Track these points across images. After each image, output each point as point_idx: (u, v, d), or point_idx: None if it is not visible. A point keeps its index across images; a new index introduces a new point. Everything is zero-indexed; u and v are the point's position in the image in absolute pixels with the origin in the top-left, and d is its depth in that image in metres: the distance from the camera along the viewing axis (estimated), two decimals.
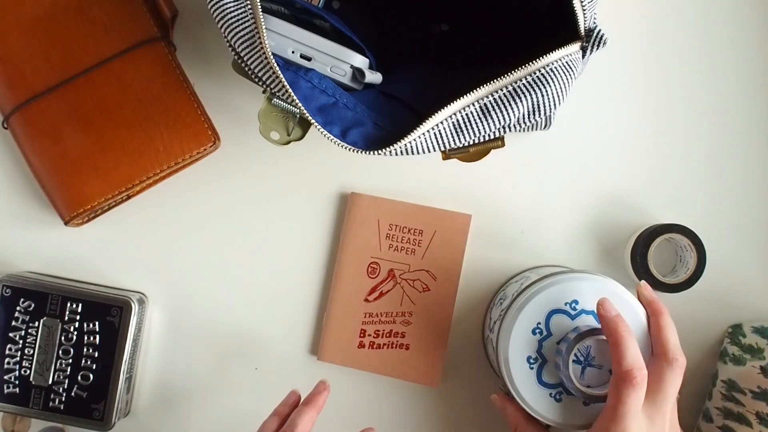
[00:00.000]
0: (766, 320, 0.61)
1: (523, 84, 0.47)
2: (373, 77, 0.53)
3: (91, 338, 0.62)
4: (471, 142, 0.49)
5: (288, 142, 0.53)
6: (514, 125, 0.49)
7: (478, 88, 0.48)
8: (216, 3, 0.48)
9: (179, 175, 0.64)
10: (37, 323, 0.62)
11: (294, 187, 0.65)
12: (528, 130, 0.58)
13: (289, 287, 0.65)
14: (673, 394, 0.50)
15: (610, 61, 0.64)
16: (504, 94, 0.48)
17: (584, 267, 0.64)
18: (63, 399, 0.62)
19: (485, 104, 0.48)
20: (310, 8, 0.53)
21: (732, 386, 0.59)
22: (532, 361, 0.54)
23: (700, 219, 0.63)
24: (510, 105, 0.48)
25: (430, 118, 0.48)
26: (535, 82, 0.47)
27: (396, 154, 0.48)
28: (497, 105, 0.48)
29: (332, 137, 0.48)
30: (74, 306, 0.62)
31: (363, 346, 0.63)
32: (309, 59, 0.51)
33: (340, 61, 0.51)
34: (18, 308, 0.62)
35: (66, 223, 0.62)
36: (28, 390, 0.62)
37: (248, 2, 0.48)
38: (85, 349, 0.62)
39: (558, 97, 0.48)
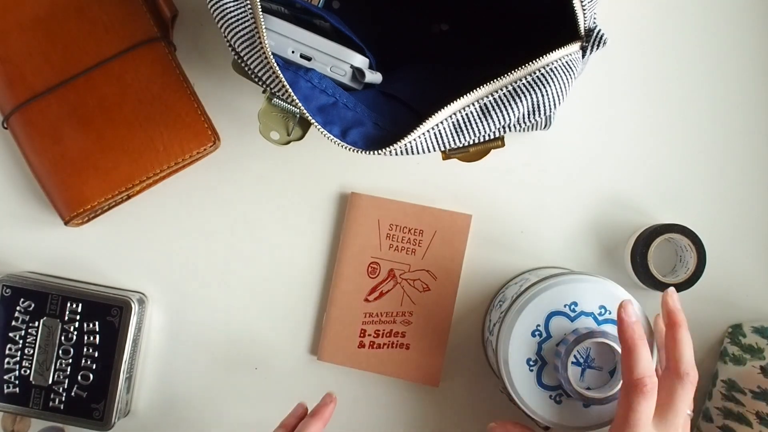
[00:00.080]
0: (766, 320, 0.60)
1: (523, 84, 0.47)
2: (373, 77, 0.53)
3: (91, 338, 0.62)
4: (471, 142, 0.49)
5: (288, 142, 0.53)
6: (514, 125, 0.49)
7: (478, 88, 0.48)
8: (216, 3, 0.48)
9: (179, 175, 0.64)
10: (37, 323, 0.62)
11: (294, 187, 0.65)
12: (528, 130, 0.58)
13: (289, 287, 0.65)
14: (683, 409, 0.49)
15: (610, 61, 0.63)
16: (504, 94, 0.48)
17: (584, 266, 0.64)
18: (63, 399, 0.62)
19: (485, 104, 0.48)
20: (310, 8, 0.53)
21: (732, 386, 0.59)
22: (531, 363, 0.53)
23: (700, 219, 0.63)
24: (510, 105, 0.48)
25: (430, 118, 0.47)
26: (535, 82, 0.47)
27: (396, 154, 0.48)
28: (497, 105, 0.48)
29: (332, 137, 0.48)
30: (74, 306, 0.62)
31: (363, 346, 0.63)
32: (309, 59, 0.51)
33: (340, 61, 0.51)
34: (18, 308, 0.62)
35: (66, 223, 0.62)
36: (28, 390, 0.62)
37: (248, 2, 0.48)
38: (85, 349, 0.62)
39: (558, 97, 0.48)
